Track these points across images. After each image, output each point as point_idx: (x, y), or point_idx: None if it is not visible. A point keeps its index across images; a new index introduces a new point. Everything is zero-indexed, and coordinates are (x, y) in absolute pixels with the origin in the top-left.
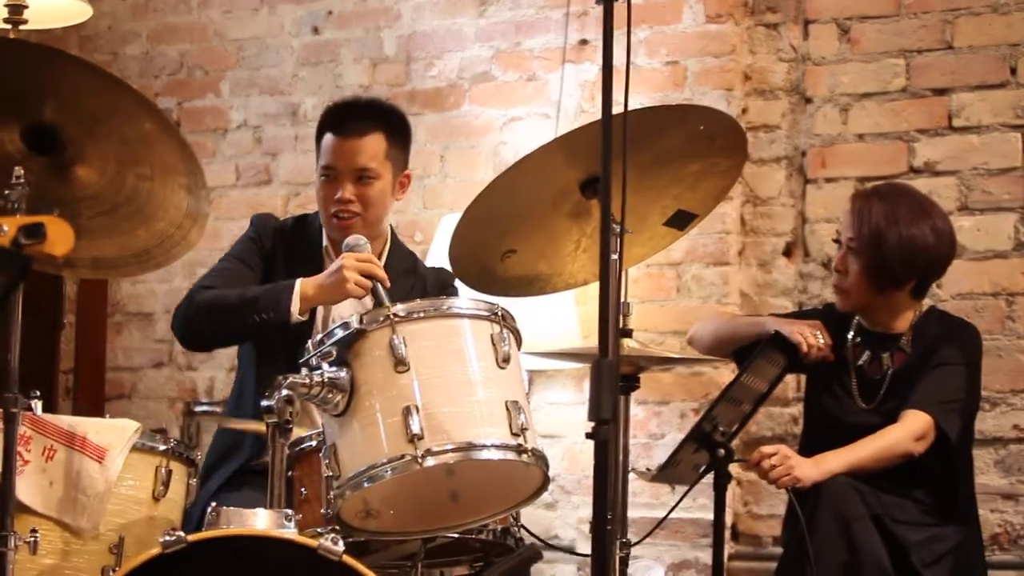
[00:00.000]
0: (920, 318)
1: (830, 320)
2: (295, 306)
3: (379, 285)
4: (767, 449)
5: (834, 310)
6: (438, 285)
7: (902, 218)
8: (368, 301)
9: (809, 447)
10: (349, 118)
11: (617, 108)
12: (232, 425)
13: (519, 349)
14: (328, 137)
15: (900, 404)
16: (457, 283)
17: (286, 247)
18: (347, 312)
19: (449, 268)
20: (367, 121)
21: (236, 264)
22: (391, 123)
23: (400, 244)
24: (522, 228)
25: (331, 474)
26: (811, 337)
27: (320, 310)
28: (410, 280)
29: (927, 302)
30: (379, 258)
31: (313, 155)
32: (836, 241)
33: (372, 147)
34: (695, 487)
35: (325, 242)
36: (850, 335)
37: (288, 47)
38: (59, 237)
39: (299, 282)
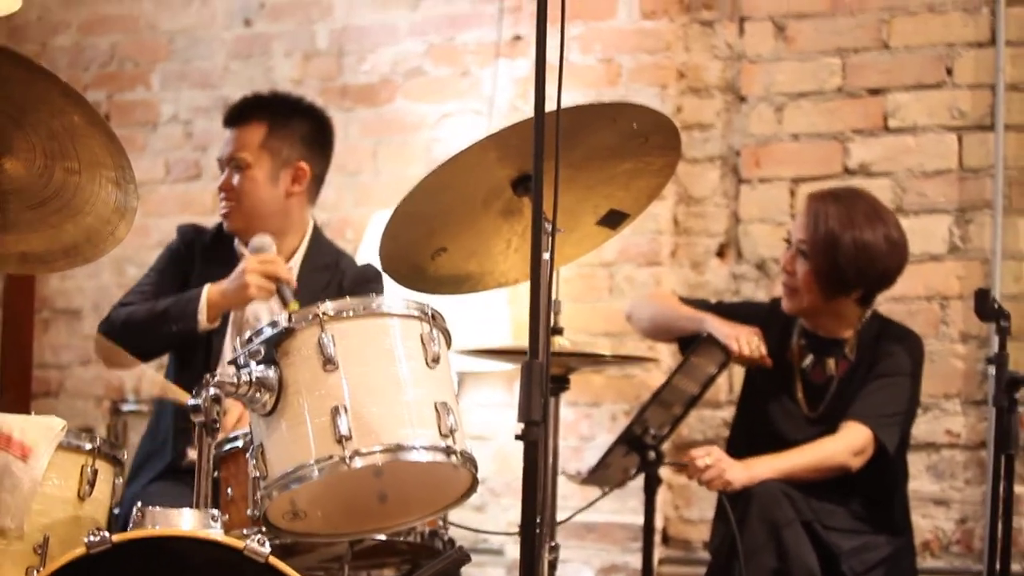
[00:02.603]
0: (864, 324)
1: (775, 318)
2: (202, 314)
3: (283, 286)
4: (698, 451)
5: (779, 307)
6: (356, 281)
7: (858, 224)
8: (277, 303)
9: (737, 450)
10: (235, 109)
11: (550, 105)
12: (169, 394)
13: (449, 349)
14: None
15: (843, 413)
16: (386, 280)
17: (204, 253)
18: (262, 313)
19: (377, 264)
20: (249, 111)
21: (155, 278)
22: (279, 113)
23: (321, 239)
24: (453, 226)
25: (258, 474)
26: (745, 345)
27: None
28: (327, 276)
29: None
30: (294, 253)
31: None
32: (786, 241)
33: (246, 137)
34: (624, 490)
35: (236, 241)
36: (794, 336)
37: (219, 39)
38: None
39: (206, 289)
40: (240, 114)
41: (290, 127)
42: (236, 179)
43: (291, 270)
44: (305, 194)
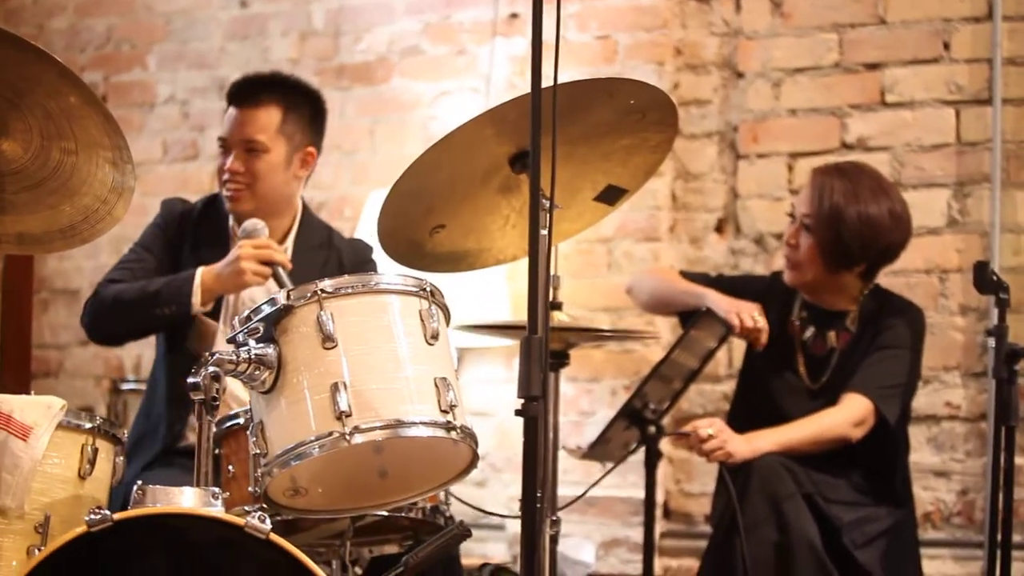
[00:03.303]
0: (866, 297)
1: (775, 291)
2: (196, 298)
3: (279, 269)
4: (702, 422)
5: (780, 280)
6: (354, 259)
7: (863, 198)
8: (272, 286)
9: (739, 424)
10: (246, 90)
11: (547, 82)
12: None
13: (448, 325)
14: (228, 109)
15: (845, 385)
16: (383, 257)
17: (193, 230)
18: (258, 296)
19: (377, 245)
20: (263, 93)
21: (142, 254)
22: (291, 97)
23: (312, 218)
24: (451, 203)
25: (258, 452)
26: (747, 319)
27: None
28: (323, 254)
29: None
30: (287, 234)
31: None
32: (790, 215)
33: (263, 119)
34: (625, 464)
35: (231, 221)
36: (795, 309)
37: (215, 20)
38: None
39: (199, 273)
40: (252, 95)
41: (300, 111)
42: (250, 162)
43: (286, 252)
44: (306, 177)
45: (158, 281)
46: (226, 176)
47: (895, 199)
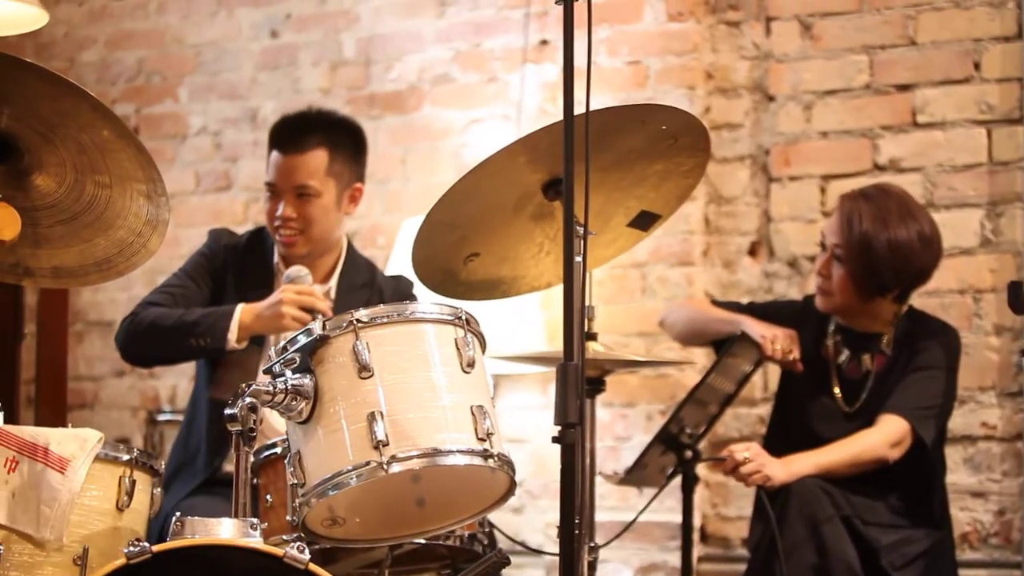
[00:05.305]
0: (901, 319)
1: (809, 315)
2: (232, 334)
3: (320, 318)
4: (738, 447)
5: (813, 304)
6: (396, 297)
7: (891, 224)
8: None
9: (775, 447)
10: (290, 134)
11: (579, 108)
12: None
13: (484, 353)
14: (272, 153)
15: (881, 408)
16: (420, 287)
17: (237, 264)
18: None
19: (411, 274)
20: (308, 137)
21: (185, 281)
22: (335, 137)
23: (356, 256)
24: (484, 231)
25: (296, 482)
26: (779, 344)
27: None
28: (365, 294)
29: None
30: (331, 273)
31: None
32: (820, 245)
33: (312, 164)
34: (664, 489)
35: (276, 258)
36: (829, 332)
37: (246, 51)
38: (5, 222)
39: (239, 309)
40: (297, 139)
41: (346, 150)
42: (302, 207)
43: (328, 297)
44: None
45: (197, 312)
46: (278, 222)
47: (923, 220)
